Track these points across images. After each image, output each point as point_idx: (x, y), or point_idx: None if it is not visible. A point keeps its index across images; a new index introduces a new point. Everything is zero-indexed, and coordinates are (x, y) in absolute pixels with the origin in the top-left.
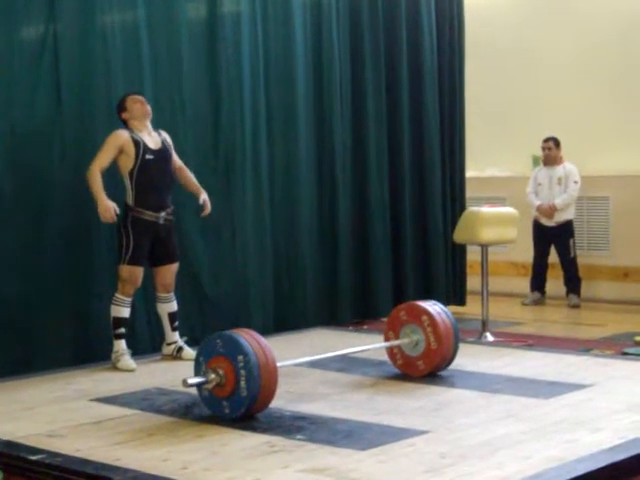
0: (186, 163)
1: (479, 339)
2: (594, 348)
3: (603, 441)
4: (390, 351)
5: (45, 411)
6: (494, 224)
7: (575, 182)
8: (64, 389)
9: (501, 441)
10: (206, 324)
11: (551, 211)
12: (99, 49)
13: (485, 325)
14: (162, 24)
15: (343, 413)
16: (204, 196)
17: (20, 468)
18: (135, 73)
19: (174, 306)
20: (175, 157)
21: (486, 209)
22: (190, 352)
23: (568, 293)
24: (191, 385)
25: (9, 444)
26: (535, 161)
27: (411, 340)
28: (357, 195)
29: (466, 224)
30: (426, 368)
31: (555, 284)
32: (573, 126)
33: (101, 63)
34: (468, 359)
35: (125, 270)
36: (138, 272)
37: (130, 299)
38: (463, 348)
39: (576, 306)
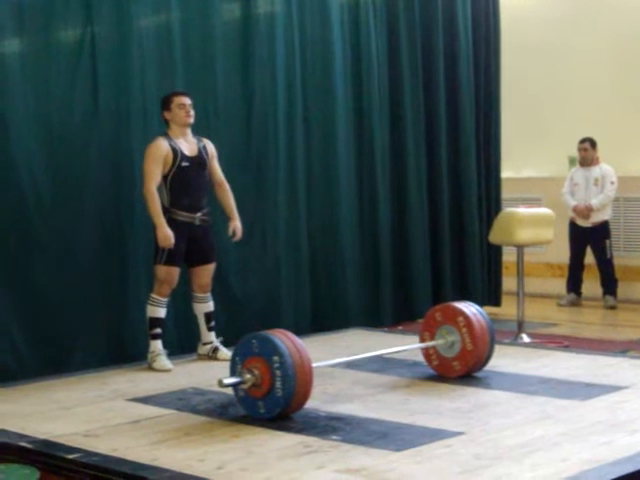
0: (219, 162)
1: (515, 340)
2: (631, 349)
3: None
4: (426, 352)
5: (81, 411)
6: (530, 225)
7: (612, 183)
8: (100, 389)
9: (537, 443)
10: (236, 325)
11: (587, 212)
12: (135, 51)
13: (521, 326)
14: (196, 26)
15: (378, 414)
16: (235, 223)
17: (56, 467)
18: (169, 75)
19: (210, 306)
20: (216, 169)
21: (522, 210)
22: (226, 352)
23: (604, 294)
24: (227, 385)
25: (46, 443)
26: (571, 162)
27: (447, 341)
28: (396, 197)
29: (502, 225)
30: (462, 369)
31: (591, 285)
32: (610, 127)
33: (136, 65)
34: (504, 360)
35: (161, 270)
36: (174, 272)
37: (166, 299)
38: (499, 349)
39: (612, 307)
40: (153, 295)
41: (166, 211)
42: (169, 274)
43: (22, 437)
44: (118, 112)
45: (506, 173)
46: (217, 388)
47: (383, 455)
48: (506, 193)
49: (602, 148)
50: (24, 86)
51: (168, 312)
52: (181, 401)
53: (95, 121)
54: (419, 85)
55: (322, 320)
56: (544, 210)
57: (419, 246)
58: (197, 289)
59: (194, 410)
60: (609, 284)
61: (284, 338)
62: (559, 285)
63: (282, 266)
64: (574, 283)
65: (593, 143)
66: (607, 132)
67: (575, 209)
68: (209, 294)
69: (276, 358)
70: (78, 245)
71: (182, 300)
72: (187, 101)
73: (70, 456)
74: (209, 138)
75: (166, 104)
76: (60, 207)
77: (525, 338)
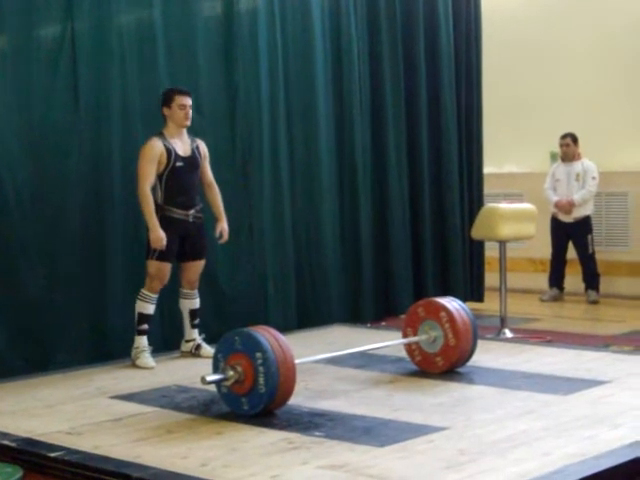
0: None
1: (497, 335)
2: (613, 344)
3: (622, 437)
4: (408, 348)
5: (64, 408)
6: (512, 220)
7: (593, 178)
8: (84, 387)
9: (520, 437)
10: (223, 321)
11: (569, 207)
12: (116, 48)
13: (503, 321)
14: (178, 22)
15: (361, 410)
16: (223, 225)
17: (39, 465)
18: (151, 71)
19: (196, 303)
20: (207, 169)
21: (504, 205)
22: (208, 350)
23: (587, 289)
24: (210, 382)
25: (28, 441)
26: (553, 157)
27: (429, 336)
28: (377, 192)
29: (484, 220)
30: (444, 365)
31: (574, 280)
32: (591, 122)
33: (117, 61)
34: (487, 355)
35: (153, 266)
36: (166, 269)
37: (156, 296)
38: (481, 345)
39: (595, 302)
40: (144, 291)
41: (160, 208)
42: (161, 270)
43: (5, 435)
44: (98, 109)
45: (488, 169)
46: (200, 385)
47: (367, 451)
48: (488, 188)
49: (584, 143)
50: (4, 82)
51: (157, 308)
52: (164, 398)
53: (75, 118)
54: (400, 81)
55: (305, 317)
56: (526, 205)
57: (401, 242)
58: (185, 285)
59: (177, 407)
60: (591, 279)
61: (267, 335)
62: (541, 280)
63: (268, 263)
64: (556, 278)
65: (575, 139)
66: (589, 128)
67: (557, 204)
68: (196, 291)
69: (259, 355)
70: (58, 242)
71: (168, 297)
72: (188, 102)
73: (53, 454)
74: (194, 135)
75: (167, 100)
76: (40, 204)
77: (508, 333)
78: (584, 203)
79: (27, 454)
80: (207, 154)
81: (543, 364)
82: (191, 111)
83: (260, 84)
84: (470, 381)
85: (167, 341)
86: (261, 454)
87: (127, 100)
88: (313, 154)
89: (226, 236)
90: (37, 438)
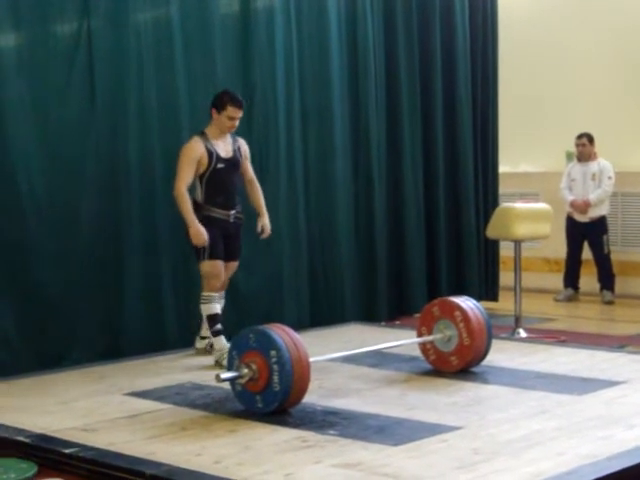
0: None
1: (512, 335)
2: (628, 344)
3: (637, 438)
4: (423, 347)
5: (79, 405)
6: (527, 220)
7: (609, 178)
8: (98, 383)
9: (534, 437)
10: (238, 319)
11: (585, 207)
12: (132, 45)
13: (518, 321)
14: (195, 20)
15: (375, 408)
16: (264, 221)
17: (53, 461)
18: (168, 69)
19: (222, 303)
20: (248, 167)
21: (519, 205)
22: None
23: (602, 289)
24: (224, 380)
25: (43, 438)
26: (569, 157)
27: (444, 336)
28: (392, 191)
29: (499, 220)
30: (459, 364)
31: (589, 280)
32: (608, 122)
33: (134, 59)
34: (501, 355)
35: (207, 265)
36: (219, 265)
37: (218, 294)
38: (496, 344)
39: (610, 302)
40: (204, 293)
41: (201, 208)
42: (215, 267)
43: (20, 432)
44: (115, 107)
45: (503, 168)
46: (215, 383)
47: (380, 450)
48: (503, 188)
49: (601, 143)
50: (20, 80)
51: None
52: (179, 395)
53: (92, 116)
54: (416, 79)
55: (319, 315)
56: (542, 205)
57: (415, 241)
58: None
59: (192, 405)
60: (606, 279)
61: (281, 332)
62: (556, 280)
63: (283, 261)
64: (571, 278)
65: (591, 138)
66: (606, 127)
67: (573, 204)
68: (223, 292)
69: (273, 352)
70: (74, 240)
71: (183, 294)
72: (239, 114)
73: (67, 450)
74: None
75: (219, 106)
76: (56, 202)
77: (522, 333)
78: (600, 203)
79: (42, 450)
80: (248, 153)
81: (557, 364)
82: (238, 122)
83: (276, 83)
84: (484, 381)
85: (182, 338)
86: (275, 452)
87: (144, 98)
88: (328, 153)
89: (268, 231)
90: (52, 434)
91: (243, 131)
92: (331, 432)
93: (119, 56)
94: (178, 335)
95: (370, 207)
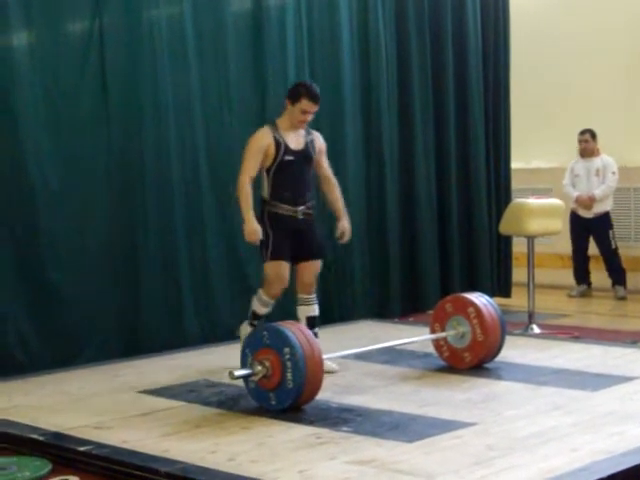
0: (231, 151)
1: (525, 331)
2: None
3: None
4: (436, 343)
5: (93, 403)
6: (540, 215)
7: (613, 173)
8: (112, 381)
9: (548, 433)
10: None
11: (590, 202)
12: (145, 42)
13: (531, 317)
14: (207, 16)
15: (389, 405)
16: (344, 224)
17: (68, 459)
18: (181, 65)
19: (315, 309)
20: (323, 163)
21: (532, 200)
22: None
23: (614, 285)
24: (238, 377)
25: (57, 435)
26: None
27: (457, 332)
28: (404, 188)
29: (512, 216)
30: (472, 360)
31: (601, 276)
32: (622, 118)
33: (147, 56)
34: (514, 351)
35: (269, 267)
36: (284, 268)
37: (272, 301)
38: (509, 340)
39: (623, 298)
40: (261, 293)
41: (266, 204)
42: (278, 270)
43: (34, 429)
44: (128, 104)
45: (516, 164)
46: (228, 380)
47: (394, 446)
48: (516, 184)
49: (613, 138)
50: (33, 77)
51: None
52: (192, 393)
53: (105, 112)
54: (427, 74)
55: (332, 312)
56: (554, 200)
57: (428, 237)
58: (300, 289)
59: (205, 402)
60: (617, 275)
61: (295, 330)
62: (569, 276)
63: None
64: (581, 274)
65: (593, 134)
66: (619, 123)
67: (578, 199)
68: (313, 296)
69: (287, 350)
70: (88, 236)
71: (202, 290)
72: (313, 109)
73: (81, 448)
74: (222, 131)
75: (293, 98)
76: (69, 199)
77: (535, 329)
78: (605, 198)
79: (56, 448)
80: (323, 148)
81: (571, 360)
82: (312, 116)
83: (288, 79)
84: (498, 377)
85: (198, 336)
86: (289, 449)
87: (156, 95)
88: (340, 149)
89: (348, 235)
90: (66, 432)
91: (256, 126)
92: (345, 429)
93: (132, 53)
94: (194, 332)
95: (382, 203)
